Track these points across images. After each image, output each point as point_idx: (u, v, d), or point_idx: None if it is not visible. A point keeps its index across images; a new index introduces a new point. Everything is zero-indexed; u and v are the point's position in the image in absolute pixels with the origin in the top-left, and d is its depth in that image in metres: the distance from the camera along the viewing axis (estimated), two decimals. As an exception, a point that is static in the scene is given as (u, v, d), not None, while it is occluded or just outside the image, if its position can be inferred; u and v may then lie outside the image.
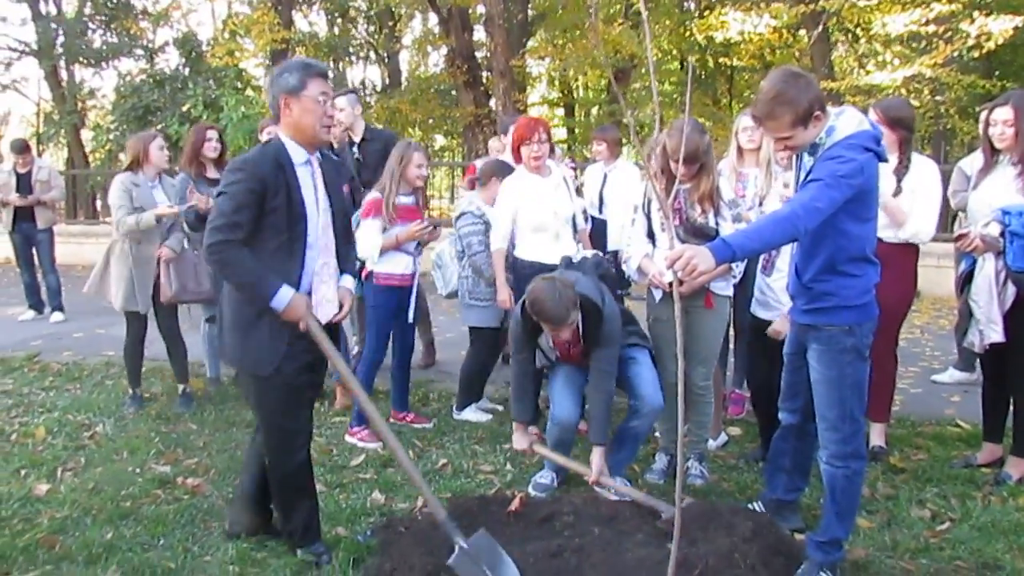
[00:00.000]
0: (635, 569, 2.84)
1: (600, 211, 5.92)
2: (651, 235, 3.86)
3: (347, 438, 4.54)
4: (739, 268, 3.90)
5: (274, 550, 3.19)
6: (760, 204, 4.17)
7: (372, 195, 4.55)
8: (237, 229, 2.83)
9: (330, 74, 3.17)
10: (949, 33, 11.64)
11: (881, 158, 2.74)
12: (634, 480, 3.94)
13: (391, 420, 4.79)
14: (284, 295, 2.86)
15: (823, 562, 2.90)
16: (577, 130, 20.86)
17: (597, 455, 3.59)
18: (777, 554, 2.99)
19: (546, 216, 4.32)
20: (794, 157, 2.94)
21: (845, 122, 2.73)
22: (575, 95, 23.35)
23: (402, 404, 4.87)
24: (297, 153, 2.95)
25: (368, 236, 4.42)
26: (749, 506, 3.43)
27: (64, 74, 20.82)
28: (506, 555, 2.92)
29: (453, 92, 18.97)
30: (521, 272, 4.39)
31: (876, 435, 4.24)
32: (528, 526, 3.33)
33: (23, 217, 8.05)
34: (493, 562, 2.87)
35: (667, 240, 3.73)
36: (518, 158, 4.46)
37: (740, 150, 4.65)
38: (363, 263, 4.44)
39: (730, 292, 3.92)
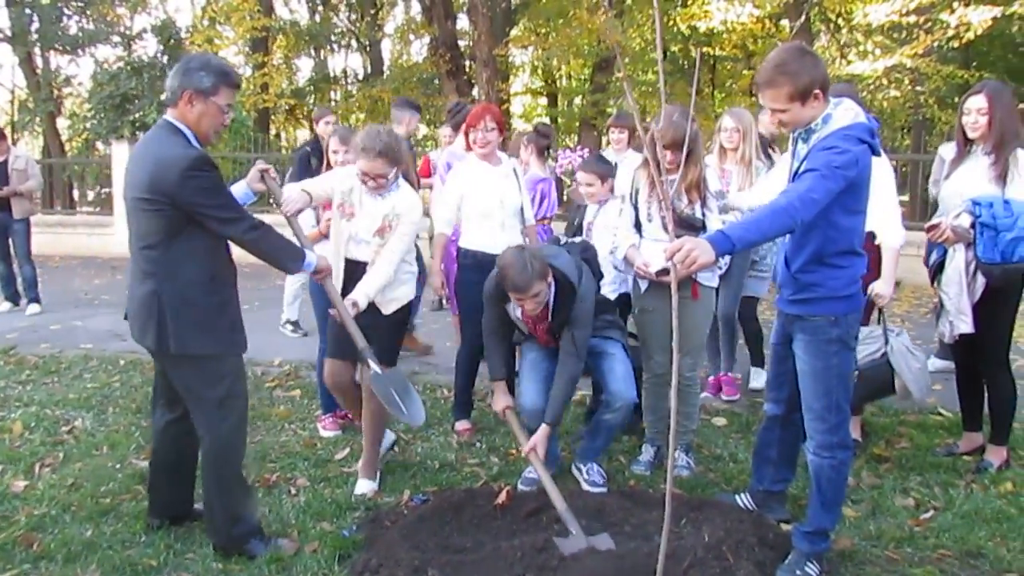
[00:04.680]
0: (623, 562, 2.83)
1: None
2: (637, 225, 3.85)
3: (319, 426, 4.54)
4: (725, 260, 3.89)
5: (258, 546, 3.14)
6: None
7: None
8: None
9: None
10: (929, 23, 11.72)
11: (875, 151, 2.75)
12: (620, 472, 3.94)
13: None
14: (310, 255, 3.15)
15: (810, 552, 2.91)
16: (560, 119, 20.78)
17: (542, 432, 3.52)
18: (764, 545, 2.99)
19: (492, 204, 4.28)
20: (789, 142, 2.95)
21: (841, 113, 2.74)
22: (558, 84, 23.29)
23: None
24: (196, 143, 2.96)
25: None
26: (736, 497, 3.43)
27: (39, 61, 20.49)
28: (416, 394, 3.50)
29: (436, 81, 18.84)
30: (464, 262, 4.38)
31: (851, 428, 4.22)
32: (515, 520, 3.31)
33: (-1, 207, 7.92)
34: (403, 392, 3.39)
35: (655, 230, 3.73)
36: (469, 145, 4.43)
37: (723, 148, 4.87)
38: None
39: (715, 283, 3.92)
